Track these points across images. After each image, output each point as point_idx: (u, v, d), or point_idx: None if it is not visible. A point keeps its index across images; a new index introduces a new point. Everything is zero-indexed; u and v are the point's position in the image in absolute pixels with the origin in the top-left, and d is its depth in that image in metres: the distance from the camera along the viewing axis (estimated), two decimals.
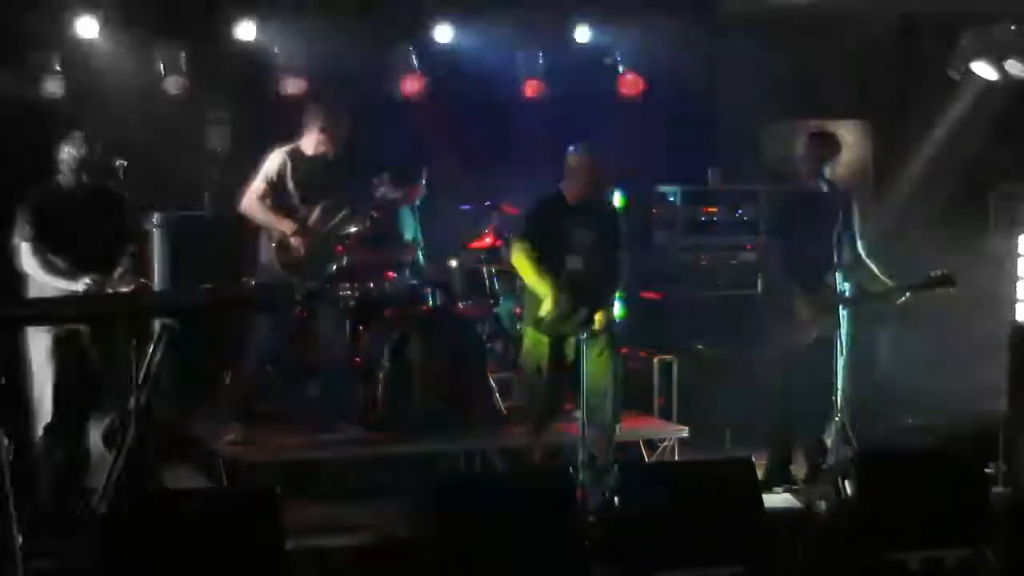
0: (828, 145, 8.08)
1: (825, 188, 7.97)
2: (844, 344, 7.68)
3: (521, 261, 7.65)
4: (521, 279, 7.92)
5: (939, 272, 7.80)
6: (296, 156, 8.11)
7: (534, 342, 7.72)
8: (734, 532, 6.10)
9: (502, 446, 8.41)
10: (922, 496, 6.37)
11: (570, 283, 7.52)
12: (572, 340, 7.54)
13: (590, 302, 7.49)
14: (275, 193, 8.05)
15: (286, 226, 8.06)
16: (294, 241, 8.05)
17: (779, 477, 8.04)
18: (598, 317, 7.46)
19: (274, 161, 8.08)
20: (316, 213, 8.15)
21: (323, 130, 8.08)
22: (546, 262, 7.59)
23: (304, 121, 8.16)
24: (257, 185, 8.06)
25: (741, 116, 10.31)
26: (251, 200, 8.06)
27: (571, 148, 7.73)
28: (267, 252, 8.13)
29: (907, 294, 7.86)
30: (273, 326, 8.23)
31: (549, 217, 7.70)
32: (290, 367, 8.92)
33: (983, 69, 9.32)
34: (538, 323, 7.56)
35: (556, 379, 7.66)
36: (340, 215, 8.21)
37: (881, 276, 7.96)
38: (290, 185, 8.08)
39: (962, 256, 8.87)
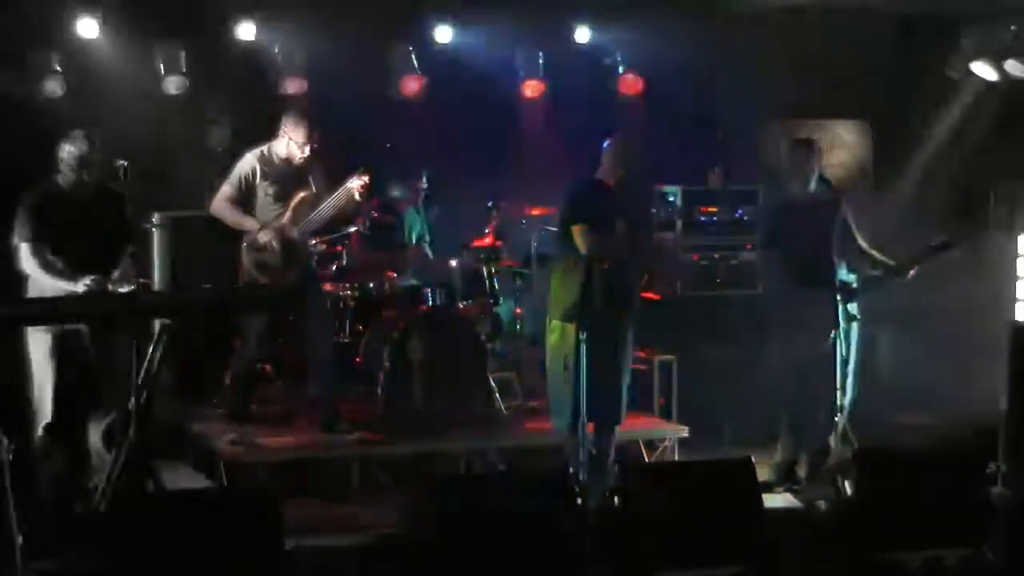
0: (811, 151, 8.08)
1: (814, 191, 7.98)
2: (851, 344, 7.69)
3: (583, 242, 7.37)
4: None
5: (938, 240, 7.84)
6: (267, 157, 8.21)
7: (561, 335, 7.45)
8: (734, 532, 6.09)
9: (502, 446, 8.42)
10: (922, 496, 6.36)
11: (605, 275, 7.19)
12: (601, 331, 7.23)
13: (620, 294, 7.36)
14: (243, 195, 8.18)
15: (249, 224, 8.18)
16: (262, 239, 8.13)
17: (785, 476, 8.05)
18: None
19: (243, 164, 8.22)
20: (288, 212, 8.21)
21: (289, 136, 8.14)
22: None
23: (280, 125, 8.23)
24: (224, 188, 8.21)
25: (741, 116, 10.31)
26: (218, 201, 8.22)
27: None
28: (242, 254, 8.23)
29: (914, 268, 7.88)
30: (261, 326, 8.30)
31: (594, 203, 7.47)
32: (289, 367, 8.93)
33: (983, 69, 9.32)
34: (568, 312, 7.23)
35: (588, 373, 7.18)
36: (314, 212, 8.25)
37: (885, 259, 7.98)
38: (261, 186, 8.19)
39: (961, 256, 8.87)
